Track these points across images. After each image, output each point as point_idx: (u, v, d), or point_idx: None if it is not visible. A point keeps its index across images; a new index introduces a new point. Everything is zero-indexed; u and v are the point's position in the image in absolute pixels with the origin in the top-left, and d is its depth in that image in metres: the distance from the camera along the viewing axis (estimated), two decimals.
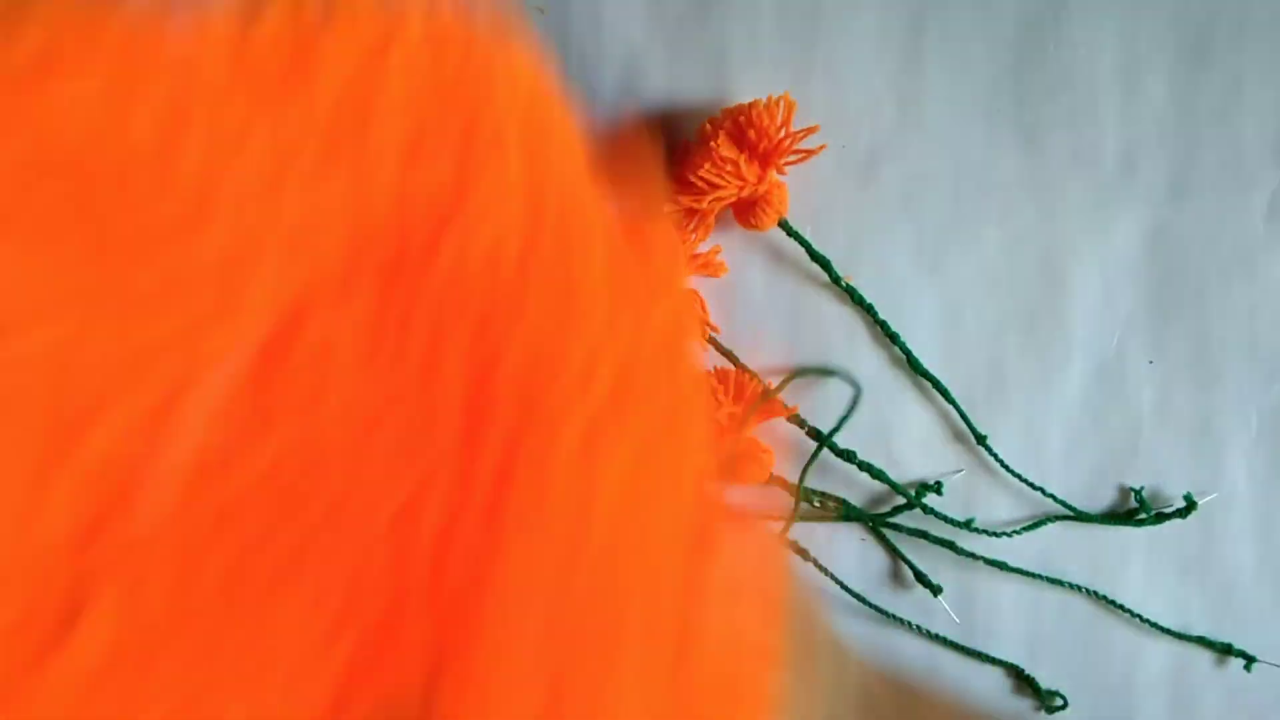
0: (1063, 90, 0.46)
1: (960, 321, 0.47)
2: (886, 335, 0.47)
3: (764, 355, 0.47)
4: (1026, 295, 0.47)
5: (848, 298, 0.47)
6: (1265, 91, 0.46)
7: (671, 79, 0.47)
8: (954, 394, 0.47)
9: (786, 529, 0.46)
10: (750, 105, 0.44)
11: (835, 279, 0.46)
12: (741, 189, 0.44)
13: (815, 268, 0.46)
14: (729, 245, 0.46)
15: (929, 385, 0.47)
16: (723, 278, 0.47)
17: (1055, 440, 0.47)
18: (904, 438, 0.47)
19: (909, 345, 0.47)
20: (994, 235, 0.47)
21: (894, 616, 0.47)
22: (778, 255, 0.47)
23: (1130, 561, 0.47)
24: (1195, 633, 0.47)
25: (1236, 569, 0.47)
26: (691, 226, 0.45)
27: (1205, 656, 0.47)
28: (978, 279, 0.47)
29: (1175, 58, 0.46)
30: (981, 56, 0.47)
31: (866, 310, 0.47)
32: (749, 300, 0.47)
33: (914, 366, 0.47)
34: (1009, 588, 0.47)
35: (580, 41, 0.48)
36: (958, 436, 0.47)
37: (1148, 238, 0.47)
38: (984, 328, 0.47)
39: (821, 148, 0.45)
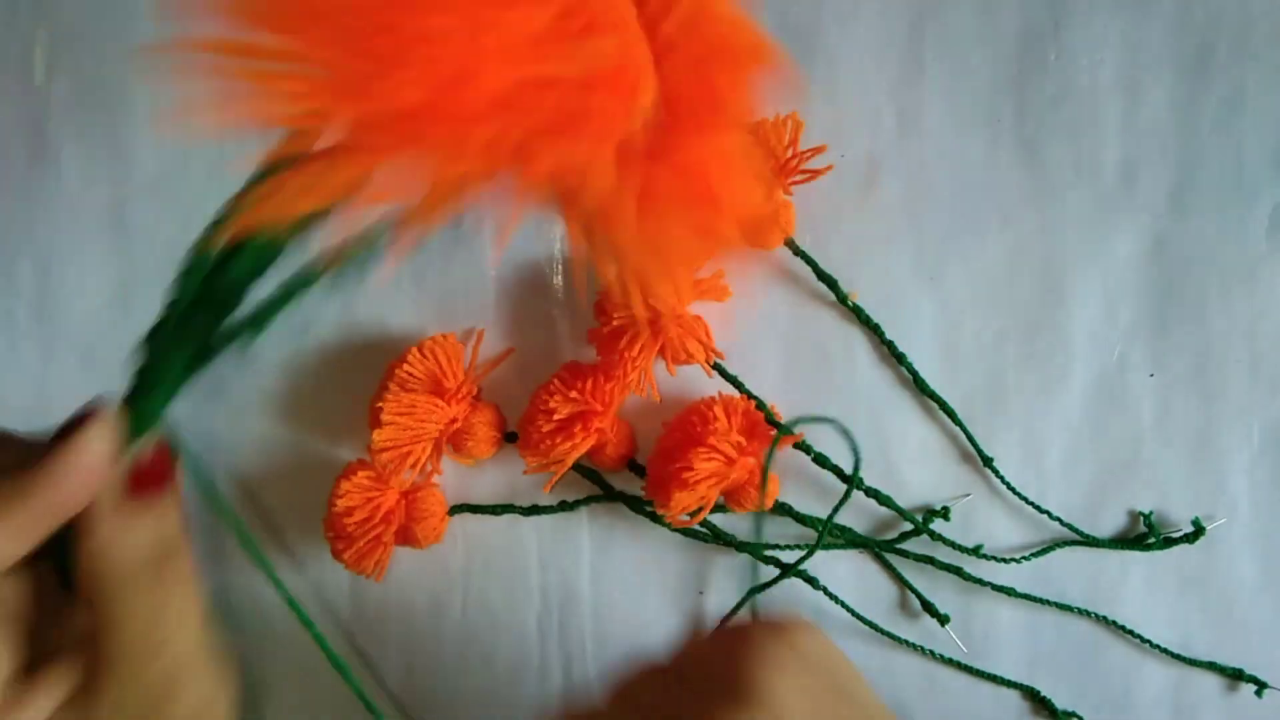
0: (1063, 101, 0.46)
1: (960, 333, 0.47)
2: (893, 355, 0.46)
3: (769, 380, 0.47)
4: (1027, 307, 0.47)
5: (852, 316, 0.46)
6: (1266, 104, 0.46)
7: None
8: (953, 406, 0.46)
9: (804, 560, 0.46)
10: (757, 125, 0.43)
11: (842, 299, 0.46)
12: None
13: (819, 285, 0.46)
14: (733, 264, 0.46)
15: (933, 404, 0.46)
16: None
17: (1055, 453, 0.47)
18: (908, 458, 0.47)
19: (914, 364, 0.46)
20: (994, 246, 0.47)
21: (904, 641, 0.47)
22: (782, 273, 0.47)
23: (1130, 578, 0.47)
24: (1199, 652, 0.46)
25: (1238, 585, 0.46)
26: None
27: (1212, 680, 0.47)
28: (978, 290, 0.47)
29: (1176, 70, 0.46)
30: (982, 66, 0.46)
31: (873, 330, 0.46)
32: (751, 319, 0.47)
33: (920, 387, 0.46)
34: (1012, 611, 0.47)
35: None
36: (963, 456, 0.47)
37: (1148, 250, 0.46)
38: (984, 339, 0.47)
39: (829, 168, 0.44)
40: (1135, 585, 0.47)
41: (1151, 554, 0.46)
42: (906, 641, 0.47)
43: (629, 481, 0.47)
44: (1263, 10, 0.45)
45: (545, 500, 0.48)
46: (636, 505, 0.47)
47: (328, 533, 0.45)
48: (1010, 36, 0.46)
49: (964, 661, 0.47)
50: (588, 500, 0.48)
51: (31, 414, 0.49)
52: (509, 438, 0.47)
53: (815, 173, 0.44)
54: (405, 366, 0.45)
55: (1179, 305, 0.46)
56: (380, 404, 0.44)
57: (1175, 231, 0.46)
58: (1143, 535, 0.46)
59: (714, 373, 0.46)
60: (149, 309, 0.49)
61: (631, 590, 0.48)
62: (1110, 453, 0.47)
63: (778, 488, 0.45)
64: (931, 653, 0.47)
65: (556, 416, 0.44)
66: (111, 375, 0.49)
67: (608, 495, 0.48)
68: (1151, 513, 0.46)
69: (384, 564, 0.45)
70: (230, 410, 0.49)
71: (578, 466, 0.46)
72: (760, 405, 0.45)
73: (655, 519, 0.47)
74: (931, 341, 0.47)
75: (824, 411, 0.45)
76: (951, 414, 0.46)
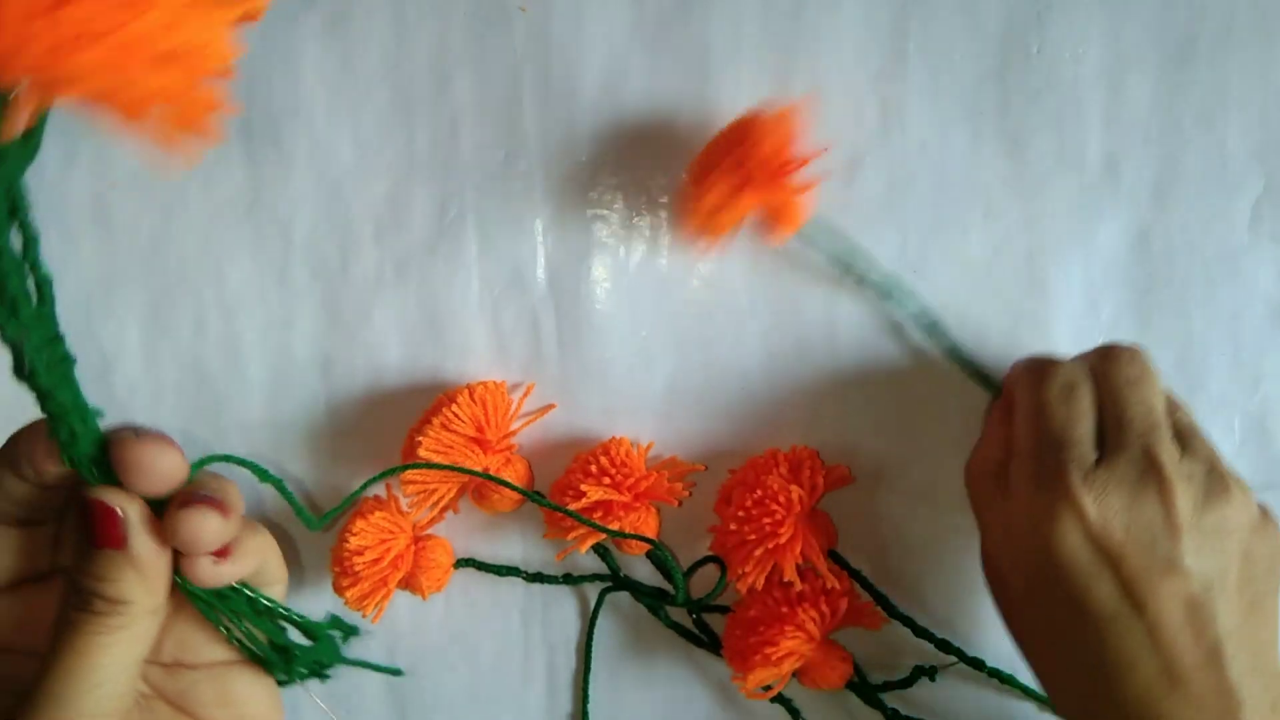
0: (1047, 93, 0.46)
1: (943, 325, 0.47)
2: (931, 334, 0.46)
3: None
4: (1009, 299, 0.47)
5: (847, 300, 0.47)
6: (1249, 96, 0.46)
7: (653, 79, 0.46)
8: None
9: None
10: (754, 118, 0.42)
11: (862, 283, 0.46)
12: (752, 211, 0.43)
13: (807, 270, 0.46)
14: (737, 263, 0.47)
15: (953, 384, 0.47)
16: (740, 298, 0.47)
17: None
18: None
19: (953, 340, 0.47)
20: (977, 238, 0.47)
21: None
22: (792, 265, 0.47)
23: None
24: None
25: None
26: (706, 249, 0.46)
27: None
28: (960, 282, 0.47)
29: (1159, 61, 0.46)
30: (965, 58, 0.46)
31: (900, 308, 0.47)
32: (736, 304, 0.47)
33: (960, 363, 0.46)
34: None
35: (562, 40, 0.47)
36: None
37: (1131, 242, 0.46)
38: (966, 332, 0.47)
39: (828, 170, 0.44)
40: None
41: None
42: None
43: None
44: (1245, 2, 0.45)
45: (551, 570, 0.49)
46: (642, 594, 0.48)
47: (334, 566, 0.45)
48: (993, 28, 0.46)
49: None
50: (594, 579, 0.49)
51: (11, 408, 0.49)
52: (532, 497, 0.46)
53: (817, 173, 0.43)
54: (454, 407, 0.44)
55: (1161, 298, 0.47)
56: (420, 439, 0.44)
57: (1158, 224, 0.46)
58: None
59: None
60: (130, 303, 0.49)
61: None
62: None
63: (850, 670, 0.47)
64: None
65: (585, 500, 0.44)
66: (92, 371, 0.49)
67: (615, 582, 0.49)
68: None
69: (383, 606, 0.45)
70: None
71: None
72: None
73: (654, 610, 0.48)
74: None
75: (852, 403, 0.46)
76: (997, 391, 0.45)
